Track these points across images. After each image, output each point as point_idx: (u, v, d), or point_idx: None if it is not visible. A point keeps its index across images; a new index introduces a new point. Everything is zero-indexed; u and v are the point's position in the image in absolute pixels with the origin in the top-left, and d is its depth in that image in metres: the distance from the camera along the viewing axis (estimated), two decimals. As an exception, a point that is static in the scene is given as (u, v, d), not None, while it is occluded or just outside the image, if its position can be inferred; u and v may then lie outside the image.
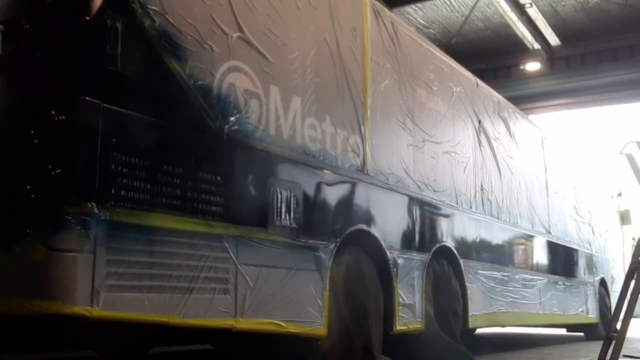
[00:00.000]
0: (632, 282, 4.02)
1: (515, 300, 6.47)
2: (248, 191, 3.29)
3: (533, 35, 12.71)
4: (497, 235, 6.34)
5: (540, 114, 14.61)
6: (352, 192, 4.14)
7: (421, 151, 5.07)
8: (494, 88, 7.04)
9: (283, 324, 3.38)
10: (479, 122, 6.22)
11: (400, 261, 4.50)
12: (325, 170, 3.90)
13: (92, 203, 2.48)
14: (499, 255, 6.34)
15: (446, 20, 12.26)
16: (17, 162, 2.59)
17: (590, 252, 9.35)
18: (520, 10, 11.86)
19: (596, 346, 4.83)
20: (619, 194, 11.58)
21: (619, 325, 3.98)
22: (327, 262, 3.76)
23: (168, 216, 2.79)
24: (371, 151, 4.38)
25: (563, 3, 11.62)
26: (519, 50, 13.26)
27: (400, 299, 4.44)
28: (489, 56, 13.28)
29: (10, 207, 2.55)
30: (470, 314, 5.47)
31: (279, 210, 3.43)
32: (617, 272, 10.51)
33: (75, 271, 2.41)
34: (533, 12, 11.91)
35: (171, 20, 2.91)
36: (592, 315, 8.95)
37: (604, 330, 6.37)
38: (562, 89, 13.73)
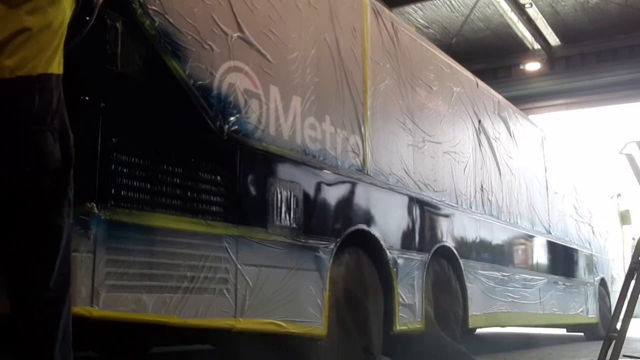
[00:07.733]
0: (632, 282, 4.02)
1: (515, 300, 6.47)
2: (248, 191, 3.29)
3: (533, 35, 12.72)
4: (497, 235, 6.34)
5: (540, 114, 14.61)
6: (352, 192, 4.14)
7: (421, 151, 5.07)
8: (494, 88, 7.04)
9: (283, 324, 3.38)
10: (479, 122, 6.22)
11: (400, 261, 4.50)
12: (325, 170, 3.89)
13: (92, 203, 2.48)
14: (499, 255, 6.34)
15: (446, 20, 12.26)
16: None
17: (590, 252, 9.35)
18: (520, 10, 11.86)
19: (596, 346, 4.83)
20: (619, 194, 11.58)
21: (619, 325, 3.97)
22: (327, 262, 3.76)
23: (168, 216, 2.79)
24: (371, 151, 4.37)
25: (563, 3, 11.62)
26: (519, 50, 13.26)
27: (400, 299, 4.44)
28: (489, 56, 13.28)
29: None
30: (470, 314, 5.46)
31: (279, 210, 3.43)
32: (617, 272, 10.50)
33: (75, 271, 2.41)
34: (533, 12, 11.91)
35: (171, 20, 2.91)
36: (592, 315, 8.95)
37: (604, 330, 6.36)
38: (562, 89, 13.73)
